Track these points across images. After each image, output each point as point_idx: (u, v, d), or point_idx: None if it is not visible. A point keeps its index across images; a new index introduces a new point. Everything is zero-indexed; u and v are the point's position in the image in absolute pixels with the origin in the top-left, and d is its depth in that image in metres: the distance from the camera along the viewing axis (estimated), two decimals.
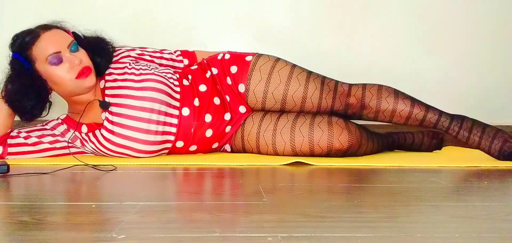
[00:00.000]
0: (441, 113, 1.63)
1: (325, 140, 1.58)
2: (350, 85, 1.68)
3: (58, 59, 1.52)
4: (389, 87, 1.67)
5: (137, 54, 1.73)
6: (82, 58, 1.55)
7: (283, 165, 1.52)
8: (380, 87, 1.66)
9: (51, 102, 1.60)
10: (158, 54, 1.77)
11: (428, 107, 1.63)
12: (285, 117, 1.65)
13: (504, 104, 2.23)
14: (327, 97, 1.65)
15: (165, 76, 1.67)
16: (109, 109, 1.60)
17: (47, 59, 1.51)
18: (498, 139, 1.59)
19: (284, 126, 1.62)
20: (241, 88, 1.70)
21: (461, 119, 1.63)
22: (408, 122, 1.64)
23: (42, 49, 1.51)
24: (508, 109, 2.23)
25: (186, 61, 1.80)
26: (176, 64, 1.79)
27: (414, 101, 1.64)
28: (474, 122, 1.62)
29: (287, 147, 1.63)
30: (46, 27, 1.55)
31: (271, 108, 1.71)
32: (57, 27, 1.57)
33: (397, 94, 1.65)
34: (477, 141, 1.60)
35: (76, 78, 1.53)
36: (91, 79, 1.56)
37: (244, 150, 1.72)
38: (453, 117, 1.63)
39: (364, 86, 1.67)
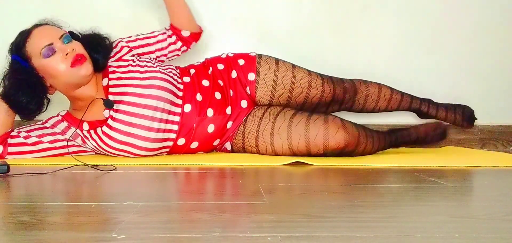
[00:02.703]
0: (412, 96, 1.95)
1: (321, 138, 1.58)
2: (340, 78, 1.88)
3: (50, 51, 1.53)
4: None
5: (136, 45, 1.73)
6: (75, 47, 1.56)
7: (283, 165, 1.52)
8: (364, 80, 1.92)
9: (49, 99, 1.61)
10: (159, 45, 1.76)
11: (402, 92, 1.94)
12: (283, 116, 1.65)
13: (504, 104, 2.22)
14: (328, 82, 1.80)
15: (169, 73, 1.67)
16: (114, 107, 1.60)
17: (41, 53, 1.52)
18: (458, 109, 2.00)
19: (281, 125, 1.63)
20: (251, 76, 1.73)
21: (428, 100, 1.98)
22: (390, 104, 1.92)
23: (35, 44, 1.53)
24: (508, 109, 2.22)
25: (174, 37, 1.80)
26: (173, 47, 1.79)
27: (391, 87, 1.94)
28: (438, 103, 1.99)
29: (284, 146, 1.63)
30: (38, 25, 1.59)
31: (279, 98, 1.74)
32: (48, 24, 1.60)
33: (378, 83, 1.92)
34: (444, 115, 1.99)
35: (71, 66, 1.53)
36: (87, 67, 1.56)
37: (243, 149, 1.73)
38: (422, 99, 1.97)
39: (350, 79, 1.90)
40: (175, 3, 1.76)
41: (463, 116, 1.99)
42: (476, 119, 2.05)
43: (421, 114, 2.01)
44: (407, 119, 2.09)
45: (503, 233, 0.76)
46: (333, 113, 1.82)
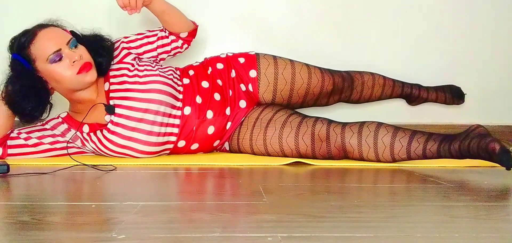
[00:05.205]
0: (403, 82, 2.02)
1: (310, 153, 1.60)
2: (335, 70, 1.88)
3: (58, 57, 1.51)
4: None
5: (137, 45, 1.72)
6: (82, 54, 1.54)
7: (283, 165, 1.52)
8: (356, 70, 1.94)
9: (51, 104, 1.59)
10: (161, 42, 1.74)
11: (393, 79, 2.00)
12: (273, 125, 1.65)
13: (504, 104, 2.22)
14: (326, 72, 1.81)
15: (169, 75, 1.67)
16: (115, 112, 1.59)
17: (48, 58, 1.50)
18: (446, 88, 2.10)
19: (272, 136, 1.63)
20: (253, 73, 1.73)
21: (417, 85, 2.06)
22: (384, 90, 1.97)
23: (41, 48, 1.50)
24: (508, 109, 2.22)
25: (175, 36, 1.76)
26: (175, 44, 1.76)
27: (383, 75, 1.97)
28: (427, 86, 2.09)
29: (280, 155, 1.64)
30: (43, 26, 1.55)
31: (281, 92, 1.74)
32: (53, 25, 1.57)
33: (370, 72, 1.95)
34: (434, 97, 2.09)
35: (77, 74, 1.52)
36: (92, 74, 1.55)
37: (239, 152, 1.73)
38: (412, 84, 2.05)
39: (344, 70, 1.91)
40: (166, 13, 1.69)
41: (451, 93, 2.09)
42: (465, 94, 2.11)
43: (412, 99, 2.07)
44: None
45: (503, 233, 0.76)
46: (332, 106, 1.90)
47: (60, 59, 1.51)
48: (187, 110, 1.65)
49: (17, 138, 1.59)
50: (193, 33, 1.78)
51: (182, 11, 1.74)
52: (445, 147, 1.48)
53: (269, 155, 1.66)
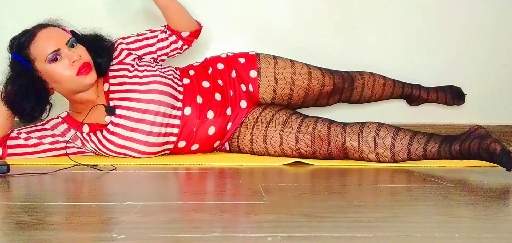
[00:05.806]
0: (403, 82, 2.02)
1: (310, 153, 1.61)
2: (335, 70, 1.88)
3: (57, 56, 1.51)
4: None
5: (137, 47, 1.72)
6: (82, 54, 1.54)
7: (283, 165, 1.52)
8: (357, 70, 1.95)
9: (51, 104, 1.59)
10: (160, 44, 1.73)
11: (394, 79, 2.00)
12: (274, 125, 1.65)
13: (504, 104, 2.22)
14: (326, 72, 1.81)
15: (169, 75, 1.67)
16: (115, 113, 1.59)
17: (47, 58, 1.50)
18: (446, 89, 2.09)
19: (272, 136, 1.63)
20: (253, 73, 1.73)
21: (418, 85, 2.06)
22: (385, 90, 1.97)
23: (40, 47, 1.50)
24: (508, 109, 2.22)
25: (175, 37, 1.75)
26: (174, 46, 1.76)
27: (383, 75, 1.97)
28: (428, 86, 2.08)
29: (280, 154, 1.64)
30: (42, 26, 1.55)
31: (282, 92, 1.74)
32: (53, 25, 1.57)
33: (371, 72, 1.95)
34: (435, 97, 2.08)
35: (77, 74, 1.52)
36: (92, 76, 1.55)
37: (239, 151, 1.73)
38: (412, 84, 2.04)
39: (344, 70, 1.91)
40: (170, 10, 1.69)
41: (452, 94, 2.08)
42: (466, 94, 2.09)
43: (412, 99, 2.07)
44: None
45: (503, 233, 0.76)
46: (333, 105, 1.90)
47: (59, 59, 1.51)
48: (188, 111, 1.65)
49: (17, 138, 1.59)
50: (195, 33, 1.77)
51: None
52: (446, 147, 1.48)
53: (269, 155, 1.66)
